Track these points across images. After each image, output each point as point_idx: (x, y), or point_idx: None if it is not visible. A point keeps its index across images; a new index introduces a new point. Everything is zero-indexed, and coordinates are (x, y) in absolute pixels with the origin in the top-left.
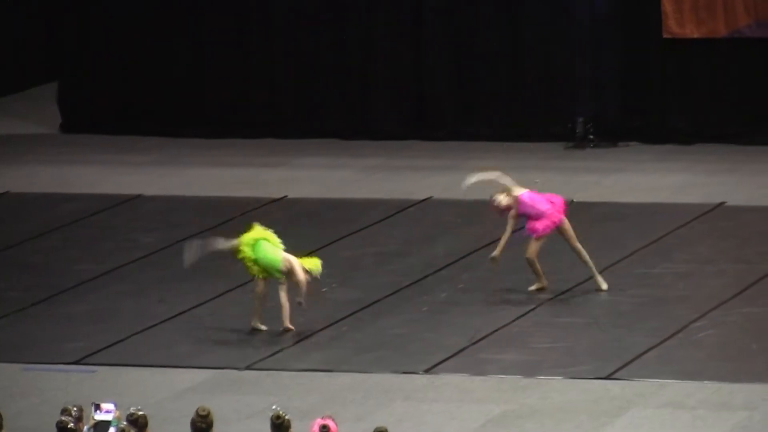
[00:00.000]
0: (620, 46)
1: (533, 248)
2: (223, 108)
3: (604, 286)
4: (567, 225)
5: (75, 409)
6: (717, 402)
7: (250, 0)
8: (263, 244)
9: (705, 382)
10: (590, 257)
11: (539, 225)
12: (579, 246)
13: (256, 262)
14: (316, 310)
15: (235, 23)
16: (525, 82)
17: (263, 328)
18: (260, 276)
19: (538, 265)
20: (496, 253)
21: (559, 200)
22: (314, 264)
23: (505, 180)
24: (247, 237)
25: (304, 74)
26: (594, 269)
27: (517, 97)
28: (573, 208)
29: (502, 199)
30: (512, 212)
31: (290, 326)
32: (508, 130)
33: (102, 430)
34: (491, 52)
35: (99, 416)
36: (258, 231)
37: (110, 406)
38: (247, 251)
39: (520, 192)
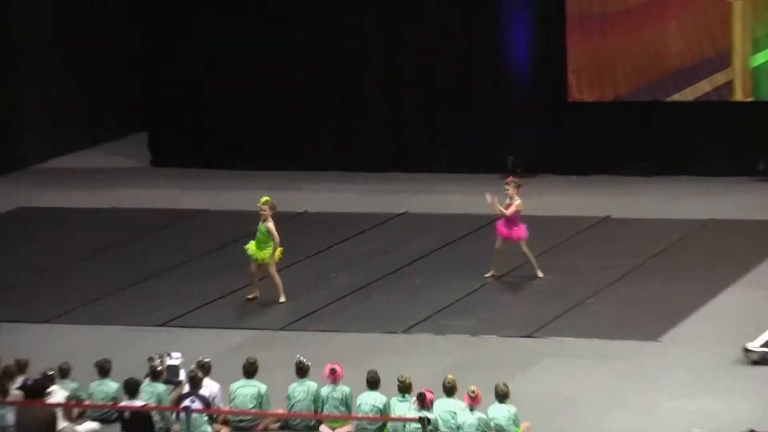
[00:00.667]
0: (538, 106)
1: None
2: (259, 149)
3: (540, 274)
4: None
5: (158, 356)
6: (602, 353)
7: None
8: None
9: (594, 339)
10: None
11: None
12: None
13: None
14: (327, 289)
15: (267, 87)
16: (473, 130)
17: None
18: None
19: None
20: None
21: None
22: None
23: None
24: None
25: (315, 124)
26: (534, 263)
27: (467, 142)
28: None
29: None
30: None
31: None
32: (461, 165)
33: (173, 372)
34: (450, 108)
35: (170, 361)
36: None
37: (178, 354)
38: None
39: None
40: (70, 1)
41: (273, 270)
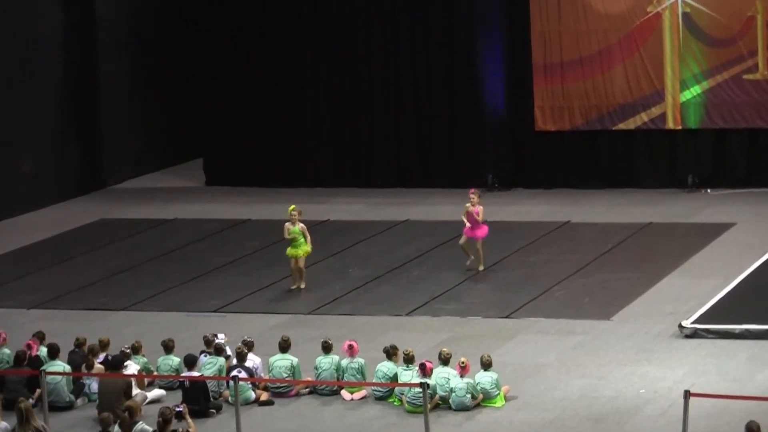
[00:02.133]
0: (512, 134)
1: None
2: (291, 170)
3: (482, 268)
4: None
5: (212, 335)
6: (566, 330)
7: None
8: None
9: (560, 319)
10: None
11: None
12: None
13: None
14: (346, 281)
15: (298, 122)
16: (460, 154)
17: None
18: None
19: (468, 251)
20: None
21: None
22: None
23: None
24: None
25: (335, 151)
26: (481, 258)
27: (455, 163)
28: (488, 225)
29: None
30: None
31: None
32: (451, 181)
33: (219, 349)
34: (441, 136)
35: (216, 341)
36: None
37: (222, 335)
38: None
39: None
40: (143, 42)
41: (303, 262)
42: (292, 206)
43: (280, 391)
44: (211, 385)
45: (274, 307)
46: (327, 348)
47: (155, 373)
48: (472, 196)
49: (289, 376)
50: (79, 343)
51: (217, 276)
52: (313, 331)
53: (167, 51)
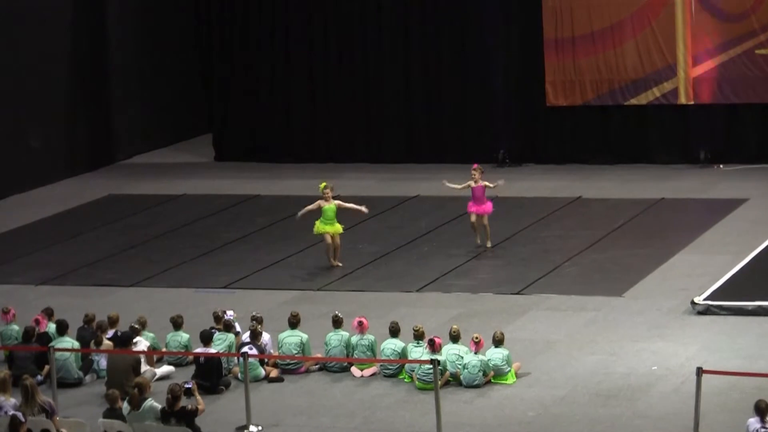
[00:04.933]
0: (523, 108)
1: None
2: (301, 146)
3: (490, 245)
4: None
5: (221, 311)
6: (577, 307)
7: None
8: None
9: (571, 295)
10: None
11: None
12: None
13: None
14: (356, 257)
15: (308, 96)
16: (471, 129)
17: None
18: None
19: (477, 229)
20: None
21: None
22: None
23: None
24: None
25: (346, 126)
26: (489, 235)
27: (466, 138)
28: (498, 201)
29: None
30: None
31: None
32: (462, 157)
33: (228, 325)
34: (452, 112)
35: (227, 317)
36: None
37: (231, 312)
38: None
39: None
40: (152, 18)
41: (339, 240)
42: (323, 183)
43: (289, 367)
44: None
45: (283, 283)
46: (337, 323)
47: (164, 350)
48: (474, 172)
49: (298, 353)
50: (88, 320)
51: (227, 252)
52: (323, 308)
53: (177, 24)
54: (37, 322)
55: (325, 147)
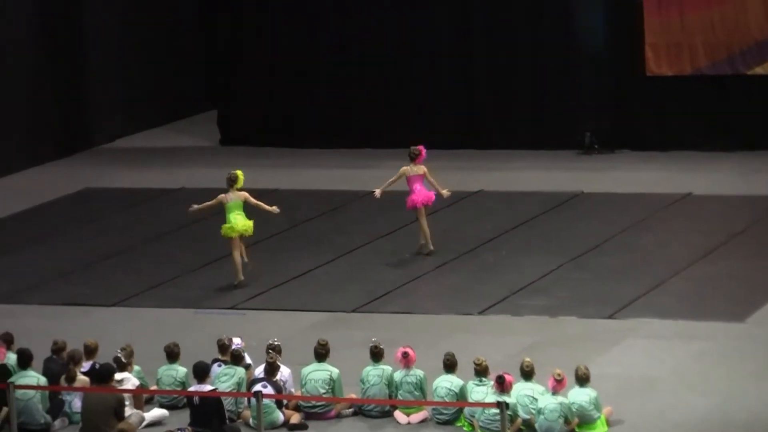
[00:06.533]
0: (615, 80)
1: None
2: (329, 127)
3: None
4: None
5: (227, 338)
6: (685, 335)
7: (353, 44)
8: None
9: (678, 320)
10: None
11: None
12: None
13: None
14: (399, 268)
15: (337, 65)
16: (547, 105)
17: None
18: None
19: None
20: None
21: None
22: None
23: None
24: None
25: (386, 101)
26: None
27: (541, 117)
28: (583, 197)
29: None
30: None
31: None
32: (537, 141)
33: (237, 357)
34: (521, 84)
35: (234, 346)
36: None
37: (238, 340)
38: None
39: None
40: None
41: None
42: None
43: (315, 411)
44: (228, 403)
45: (308, 302)
46: (377, 355)
47: (155, 388)
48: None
49: (327, 393)
50: (58, 348)
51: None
52: (359, 334)
53: None
54: None
55: (360, 127)
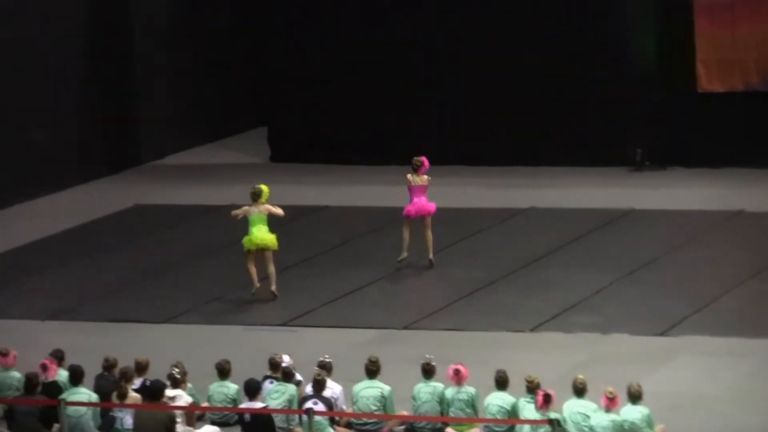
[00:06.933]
0: (666, 96)
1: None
2: (377, 144)
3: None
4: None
5: (279, 356)
6: (739, 352)
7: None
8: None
9: (731, 337)
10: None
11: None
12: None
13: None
14: (450, 285)
15: (385, 83)
16: (598, 122)
17: None
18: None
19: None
20: None
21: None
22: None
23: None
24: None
25: (434, 118)
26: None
27: (592, 134)
28: (635, 214)
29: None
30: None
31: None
32: (587, 158)
33: (288, 374)
34: (573, 101)
35: (284, 363)
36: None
37: (287, 357)
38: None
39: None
40: None
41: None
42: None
43: (367, 428)
44: (279, 420)
45: (359, 319)
46: (428, 372)
47: (206, 405)
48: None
49: (378, 410)
50: (109, 365)
51: (285, 279)
52: (411, 351)
53: None
54: (44, 367)
55: (409, 145)
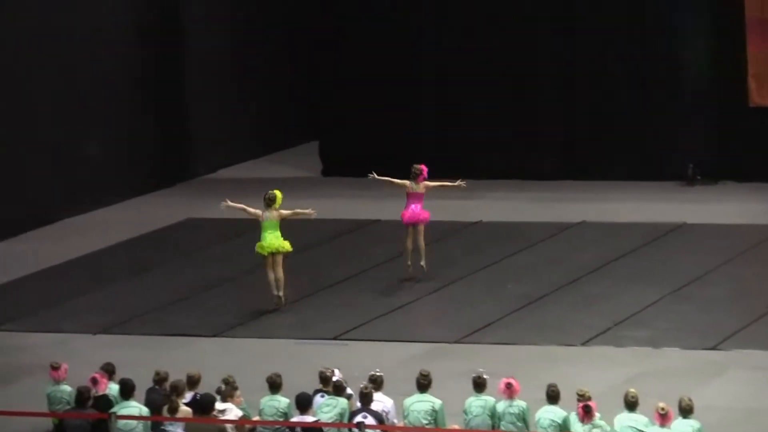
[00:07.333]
0: (718, 111)
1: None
2: (429, 158)
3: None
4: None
5: (329, 370)
6: None
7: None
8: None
9: None
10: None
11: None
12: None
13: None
14: (501, 299)
15: (437, 97)
16: (649, 136)
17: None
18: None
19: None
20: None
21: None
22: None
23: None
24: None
25: (486, 132)
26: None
27: (643, 148)
28: (686, 228)
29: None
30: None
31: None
32: (638, 172)
33: (339, 388)
34: (624, 115)
35: (335, 377)
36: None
37: (337, 371)
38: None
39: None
40: (241, 10)
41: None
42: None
43: None
44: None
45: (410, 332)
46: (480, 385)
47: (257, 418)
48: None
49: (429, 423)
50: (160, 379)
51: (336, 292)
52: (462, 365)
53: (275, 7)
54: (95, 381)
55: (461, 158)
